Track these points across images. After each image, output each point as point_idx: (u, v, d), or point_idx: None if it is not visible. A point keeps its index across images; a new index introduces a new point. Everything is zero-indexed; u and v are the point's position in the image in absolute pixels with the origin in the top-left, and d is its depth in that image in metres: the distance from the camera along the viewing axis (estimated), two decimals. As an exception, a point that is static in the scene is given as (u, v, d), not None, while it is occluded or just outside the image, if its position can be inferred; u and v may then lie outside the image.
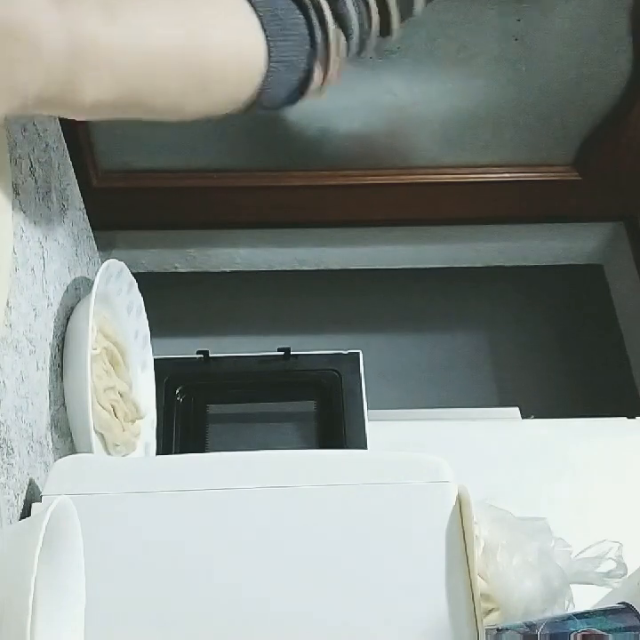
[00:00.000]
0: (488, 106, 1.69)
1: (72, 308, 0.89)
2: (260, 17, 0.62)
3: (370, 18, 0.69)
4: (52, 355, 0.82)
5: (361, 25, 0.69)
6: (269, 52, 0.63)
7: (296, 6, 0.65)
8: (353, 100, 1.67)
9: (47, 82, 0.51)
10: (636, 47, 1.58)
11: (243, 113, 0.65)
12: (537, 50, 1.59)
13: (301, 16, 0.65)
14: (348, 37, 0.68)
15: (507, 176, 1.82)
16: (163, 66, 0.57)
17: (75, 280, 0.92)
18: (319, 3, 0.65)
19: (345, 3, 0.66)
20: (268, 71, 0.63)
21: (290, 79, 0.66)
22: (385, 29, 0.71)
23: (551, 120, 1.73)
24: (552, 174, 1.82)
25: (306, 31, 0.65)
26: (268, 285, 2.00)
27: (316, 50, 0.66)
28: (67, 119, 0.59)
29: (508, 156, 1.80)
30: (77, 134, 1.63)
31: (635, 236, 1.92)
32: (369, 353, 1.28)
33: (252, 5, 0.62)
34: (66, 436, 0.85)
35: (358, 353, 1.23)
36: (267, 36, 0.62)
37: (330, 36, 0.66)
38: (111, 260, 0.91)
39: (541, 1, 1.50)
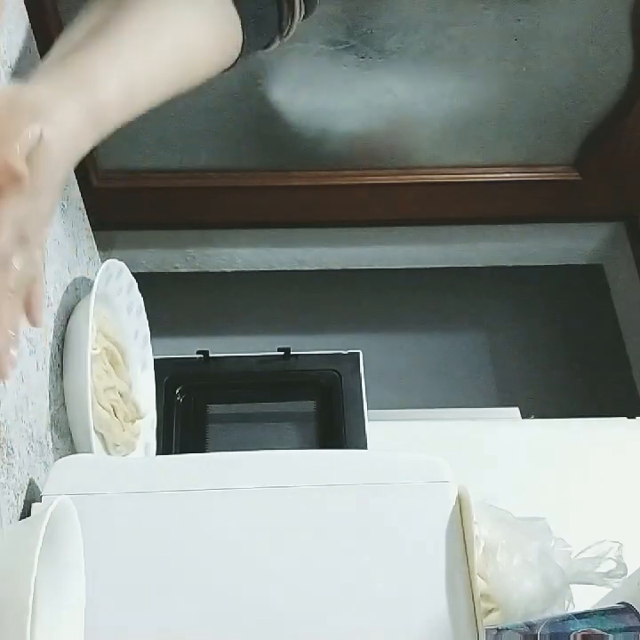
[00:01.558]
0: (488, 106, 1.69)
1: (72, 308, 0.89)
2: (241, 18, 0.73)
3: None
4: (51, 355, 0.82)
5: None
6: (244, 42, 0.75)
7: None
8: (353, 100, 1.67)
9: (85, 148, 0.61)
10: (635, 47, 1.58)
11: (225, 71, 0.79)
12: (537, 50, 1.59)
13: (275, 6, 0.77)
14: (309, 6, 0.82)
15: (507, 176, 1.82)
16: (163, 92, 0.69)
17: (75, 280, 0.92)
18: None
19: None
20: (241, 54, 0.76)
21: (259, 47, 0.80)
22: None
23: (551, 120, 1.73)
24: (552, 174, 1.82)
25: (277, 17, 0.78)
26: (268, 285, 2.00)
27: (283, 27, 0.80)
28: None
29: (508, 156, 1.80)
30: (77, 134, 1.63)
31: (635, 236, 1.92)
32: (369, 353, 1.28)
33: (237, 7, 0.73)
34: (66, 436, 0.85)
35: (358, 353, 1.23)
36: (244, 34, 0.75)
37: (296, 10, 0.79)
38: (111, 260, 0.91)
39: (541, 1, 1.50)
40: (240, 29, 0.74)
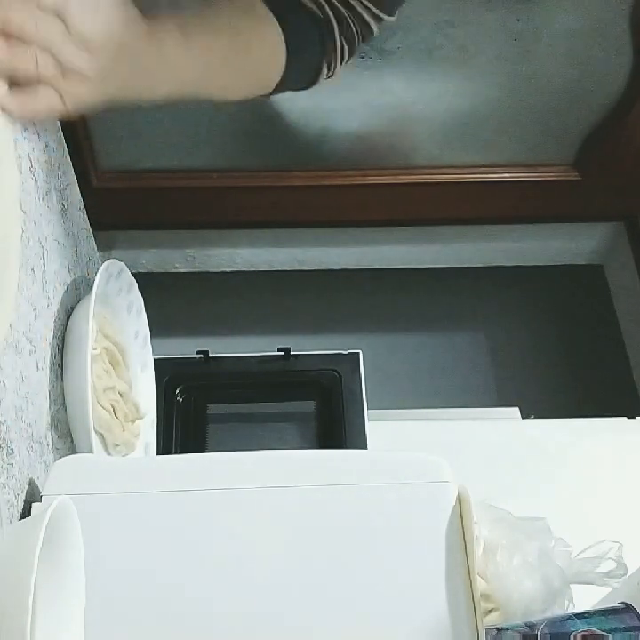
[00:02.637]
0: (488, 106, 1.69)
1: (72, 308, 0.89)
2: (286, 42, 0.79)
3: (365, 23, 0.86)
4: (52, 355, 0.82)
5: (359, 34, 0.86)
6: (286, 67, 0.81)
7: (316, 28, 0.82)
8: (353, 100, 1.67)
9: (136, 85, 0.69)
10: (635, 47, 1.58)
11: (269, 96, 0.86)
12: (537, 50, 1.59)
13: (317, 34, 0.82)
14: (351, 49, 0.85)
15: (507, 176, 1.82)
16: (215, 76, 0.77)
17: (75, 280, 0.92)
18: (332, 25, 0.83)
19: (350, 24, 0.84)
20: (283, 76, 0.82)
21: (302, 78, 0.86)
22: (368, 34, 0.88)
23: (551, 120, 1.73)
24: (552, 174, 1.82)
25: (319, 48, 0.83)
26: (268, 285, 2.00)
27: (325, 61, 0.84)
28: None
29: (507, 156, 1.80)
30: (77, 134, 1.63)
31: (635, 236, 1.92)
32: (369, 353, 1.28)
33: (283, 32, 0.79)
34: (66, 436, 0.85)
35: (358, 353, 1.23)
36: (287, 57, 0.80)
37: (337, 48, 0.84)
38: (111, 260, 0.91)
39: (541, 1, 1.50)
40: (284, 49, 0.79)
